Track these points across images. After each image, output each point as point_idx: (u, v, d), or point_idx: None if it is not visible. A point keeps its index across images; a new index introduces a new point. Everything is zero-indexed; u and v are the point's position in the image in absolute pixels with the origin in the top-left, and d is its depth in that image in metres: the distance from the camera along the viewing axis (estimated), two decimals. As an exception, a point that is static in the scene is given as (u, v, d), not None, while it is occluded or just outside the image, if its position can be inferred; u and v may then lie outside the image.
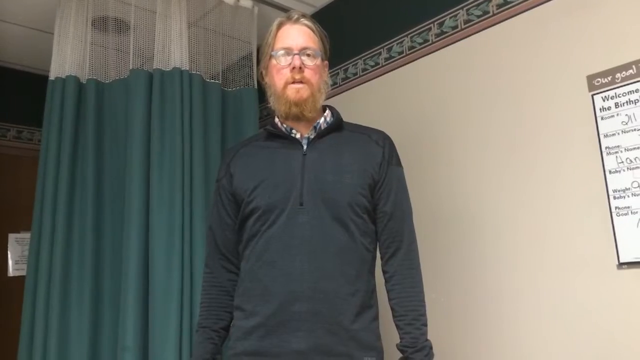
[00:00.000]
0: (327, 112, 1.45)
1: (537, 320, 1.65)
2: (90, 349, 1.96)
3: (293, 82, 1.35)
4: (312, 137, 1.39)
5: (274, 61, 1.38)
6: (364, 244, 1.33)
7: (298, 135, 1.39)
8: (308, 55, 1.37)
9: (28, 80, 3.16)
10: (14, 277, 3.02)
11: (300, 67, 1.34)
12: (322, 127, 1.40)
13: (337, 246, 1.28)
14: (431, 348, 1.31)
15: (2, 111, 3.12)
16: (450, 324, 1.89)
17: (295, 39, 1.37)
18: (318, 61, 1.39)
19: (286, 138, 1.39)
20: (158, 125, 2.09)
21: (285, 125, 1.40)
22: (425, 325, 1.33)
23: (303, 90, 1.34)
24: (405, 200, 1.40)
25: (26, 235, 2.85)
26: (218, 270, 1.45)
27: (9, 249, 3.06)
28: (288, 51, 1.36)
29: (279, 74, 1.37)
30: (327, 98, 1.46)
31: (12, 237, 3.08)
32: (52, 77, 2.17)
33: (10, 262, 3.05)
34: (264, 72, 1.46)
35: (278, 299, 1.25)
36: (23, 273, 2.23)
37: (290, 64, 1.35)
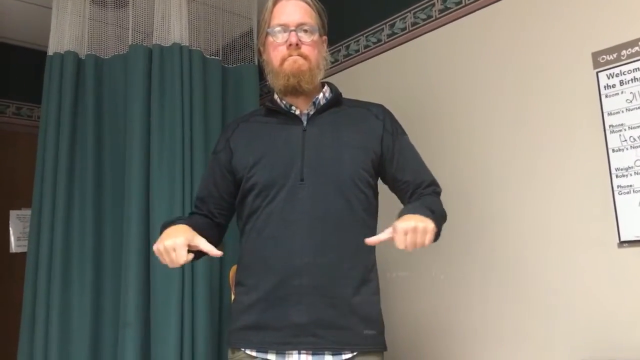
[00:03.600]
0: (326, 88, 1.43)
1: (538, 297, 1.66)
2: (92, 324, 1.98)
3: (290, 57, 1.33)
4: (311, 113, 1.38)
5: (270, 38, 1.36)
6: (365, 219, 1.32)
7: (297, 112, 1.38)
8: (305, 31, 1.34)
9: (27, 56, 3.13)
10: (16, 254, 3.04)
11: (297, 44, 1.32)
12: (321, 103, 1.39)
13: (338, 221, 1.28)
14: (435, 223, 1.18)
15: (1, 87, 3.10)
16: (449, 299, 1.90)
17: (292, 15, 1.34)
18: (315, 37, 1.36)
19: (285, 114, 1.38)
20: (158, 101, 2.08)
21: (284, 102, 1.39)
22: (437, 216, 1.23)
23: (301, 61, 1.32)
24: (423, 164, 1.42)
25: (27, 212, 2.86)
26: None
27: (10, 225, 3.07)
28: (284, 27, 1.34)
29: (276, 50, 1.35)
30: (329, 76, 1.44)
31: (13, 213, 3.08)
32: (50, 52, 2.15)
33: (12, 239, 3.06)
34: (261, 49, 1.44)
35: (279, 273, 1.25)
36: (25, 249, 2.25)
37: (286, 40, 1.33)
